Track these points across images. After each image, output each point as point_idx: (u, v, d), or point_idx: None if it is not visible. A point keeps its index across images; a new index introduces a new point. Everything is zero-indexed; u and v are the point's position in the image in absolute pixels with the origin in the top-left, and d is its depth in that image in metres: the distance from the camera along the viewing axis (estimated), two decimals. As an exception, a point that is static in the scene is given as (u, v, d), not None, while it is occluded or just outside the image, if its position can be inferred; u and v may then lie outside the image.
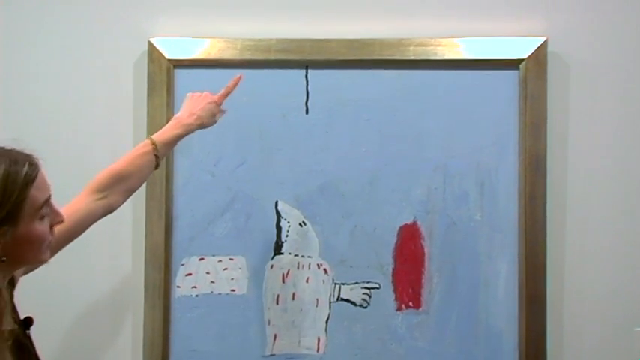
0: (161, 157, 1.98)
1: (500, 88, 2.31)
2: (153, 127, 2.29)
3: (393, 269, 2.33)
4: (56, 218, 1.59)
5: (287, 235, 2.34)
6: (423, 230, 2.33)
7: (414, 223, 2.33)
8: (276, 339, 2.34)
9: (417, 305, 2.32)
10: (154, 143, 1.96)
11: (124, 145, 2.33)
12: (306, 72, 2.34)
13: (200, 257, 2.34)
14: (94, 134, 2.37)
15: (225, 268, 2.34)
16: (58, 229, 1.65)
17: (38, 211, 1.52)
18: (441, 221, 2.33)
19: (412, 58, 2.31)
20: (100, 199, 1.88)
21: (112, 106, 2.37)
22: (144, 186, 2.30)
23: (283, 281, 2.34)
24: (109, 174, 1.90)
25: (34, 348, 1.67)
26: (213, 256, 2.34)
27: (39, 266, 1.67)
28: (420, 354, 2.32)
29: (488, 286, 2.31)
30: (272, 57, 2.32)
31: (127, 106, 2.36)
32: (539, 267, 2.27)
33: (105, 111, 2.37)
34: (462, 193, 2.32)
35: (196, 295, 2.34)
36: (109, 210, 1.91)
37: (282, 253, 2.34)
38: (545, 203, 2.27)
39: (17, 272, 1.70)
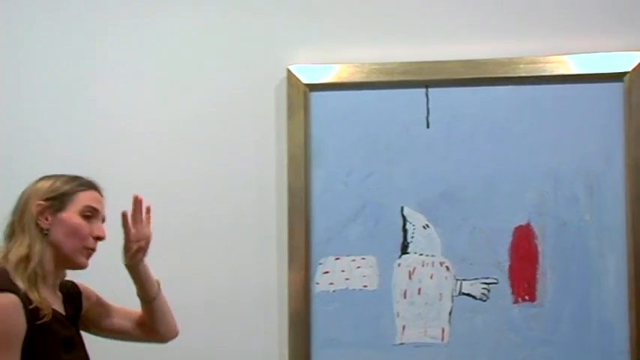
0: (146, 296, 2.11)
1: (606, 99, 2.40)
2: (293, 144, 2.49)
3: (509, 266, 2.43)
4: (97, 231, 1.96)
5: (412, 237, 2.48)
6: (537, 230, 2.42)
7: (528, 224, 2.43)
8: (405, 329, 2.47)
9: (532, 299, 2.42)
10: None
11: (268, 161, 2.54)
12: (427, 91, 2.47)
13: (336, 257, 2.50)
14: (241, 152, 2.56)
15: (359, 267, 2.49)
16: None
17: (82, 208, 1.93)
18: (552, 222, 2.42)
19: (523, 75, 2.42)
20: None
21: (256, 126, 2.55)
22: (285, 196, 2.51)
23: (410, 278, 2.48)
24: None
25: (81, 340, 2.02)
26: (348, 256, 2.50)
27: (80, 267, 1.96)
28: (536, 343, 2.41)
29: (599, 281, 2.39)
30: (395, 78, 2.47)
31: (269, 126, 2.54)
32: (648, 262, 2.35)
33: (250, 130, 2.56)
34: (571, 196, 2.41)
35: (333, 291, 2.50)
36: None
37: (408, 253, 2.48)
38: (650, 203, 2.35)
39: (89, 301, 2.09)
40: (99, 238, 1.96)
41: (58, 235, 1.92)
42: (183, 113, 2.62)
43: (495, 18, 2.50)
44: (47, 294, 1.90)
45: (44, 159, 2.55)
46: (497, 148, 2.46)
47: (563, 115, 2.43)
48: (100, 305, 2.14)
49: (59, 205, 1.92)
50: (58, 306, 1.96)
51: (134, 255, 2.05)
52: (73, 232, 1.92)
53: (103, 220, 2.00)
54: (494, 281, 2.45)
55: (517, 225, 2.45)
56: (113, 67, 2.67)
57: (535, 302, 2.43)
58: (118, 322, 2.16)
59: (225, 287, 2.58)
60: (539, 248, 2.44)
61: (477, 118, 2.47)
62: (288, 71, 2.52)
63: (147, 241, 2.06)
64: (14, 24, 2.72)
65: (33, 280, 1.85)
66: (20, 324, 1.79)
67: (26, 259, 1.87)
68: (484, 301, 2.45)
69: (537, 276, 2.43)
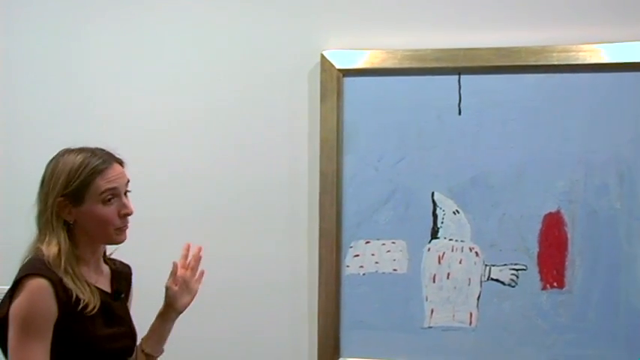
0: (151, 351, 2.09)
1: (638, 88, 2.39)
2: (325, 128, 2.52)
3: (538, 253, 2.45)
4: (123, 209, 1.95)
5: (442, 222, 2.50)
6: (566, 218, 2.43)
7: (558, 212, 2.44)
8: (433, 313, 2.51)
9: (561, 285, 2.44)
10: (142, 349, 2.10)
11: (301, 145, 2.57)
12: (459, 78, 2.48)
13: (366, 241, 2.54)
14: (274, 136, 2.60)
15: (388, 251, 2.52)
16: None
17: (100, 196, 1.91)
18: (582, 210, 2.43)
19: (555, 63, 2.42)
20: None
21: (290, 110, 2.58)
22: (317, 180, 2.54)
23: (439, 262, 2.51)
24: None
25: (126, 314, 2.05)
26: (378, 239, 2.53)
27: (118, 244, 1.99)
28: (564, 330, 2.44)
29: (628, 269, 2.40)
30: (428, 65, 2.49)
31: (302, 110, 2.57)
32: (677, 251, 2.34)
33: (284, 115, 2.59)
34: (602, 184, 2.42)
35: (363, 274, 2.54)
36: None
37: (438, 238, 2.51)
38: (681, 193, 2.35)
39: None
40: (127, 215, 1.97)
41: (85, 225, 1.93)
42: (219, 98, 2.66)
43: (529, 6, 2.50)
44: (90, 275, 1.94)
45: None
46: (529, 135, 2.47)
47: (594, 103, 2.43)
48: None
49: (77, 200, 1.91)
50: (102, 282, 1.99)
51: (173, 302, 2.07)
52: (98, 222, 1.93)
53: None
54: (523, 267, 2.47)
55: (547, 212, 2.46)
56: (149, 53, 2.71)
57: (563, 289, 2.45)
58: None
59: (257, 269, 2.63)
60: (569, 235, 2.45)
61: (508, 106, 2.47)
62: (322, 56, 2.55)
63: (192, 295, 2.10)
64: (13, 20, 2.77)
65: (72, 273, 1.87)
66: (49, 308, 1.82)
67: (59, 255, 1.88)
68: (512, 286, 2.47)
69: (566, 263, 2.45)
